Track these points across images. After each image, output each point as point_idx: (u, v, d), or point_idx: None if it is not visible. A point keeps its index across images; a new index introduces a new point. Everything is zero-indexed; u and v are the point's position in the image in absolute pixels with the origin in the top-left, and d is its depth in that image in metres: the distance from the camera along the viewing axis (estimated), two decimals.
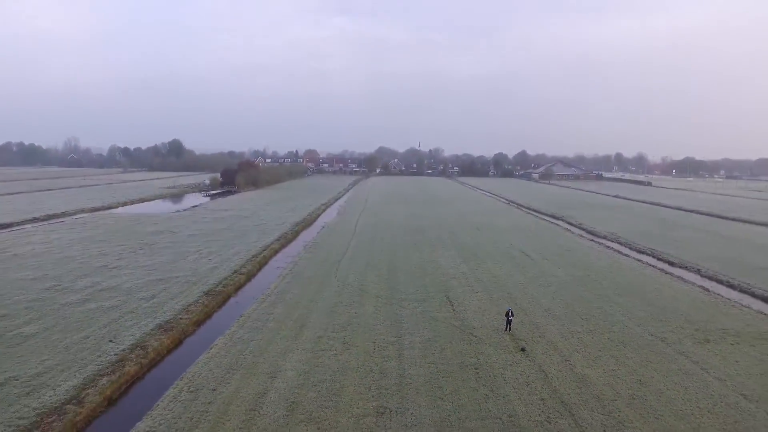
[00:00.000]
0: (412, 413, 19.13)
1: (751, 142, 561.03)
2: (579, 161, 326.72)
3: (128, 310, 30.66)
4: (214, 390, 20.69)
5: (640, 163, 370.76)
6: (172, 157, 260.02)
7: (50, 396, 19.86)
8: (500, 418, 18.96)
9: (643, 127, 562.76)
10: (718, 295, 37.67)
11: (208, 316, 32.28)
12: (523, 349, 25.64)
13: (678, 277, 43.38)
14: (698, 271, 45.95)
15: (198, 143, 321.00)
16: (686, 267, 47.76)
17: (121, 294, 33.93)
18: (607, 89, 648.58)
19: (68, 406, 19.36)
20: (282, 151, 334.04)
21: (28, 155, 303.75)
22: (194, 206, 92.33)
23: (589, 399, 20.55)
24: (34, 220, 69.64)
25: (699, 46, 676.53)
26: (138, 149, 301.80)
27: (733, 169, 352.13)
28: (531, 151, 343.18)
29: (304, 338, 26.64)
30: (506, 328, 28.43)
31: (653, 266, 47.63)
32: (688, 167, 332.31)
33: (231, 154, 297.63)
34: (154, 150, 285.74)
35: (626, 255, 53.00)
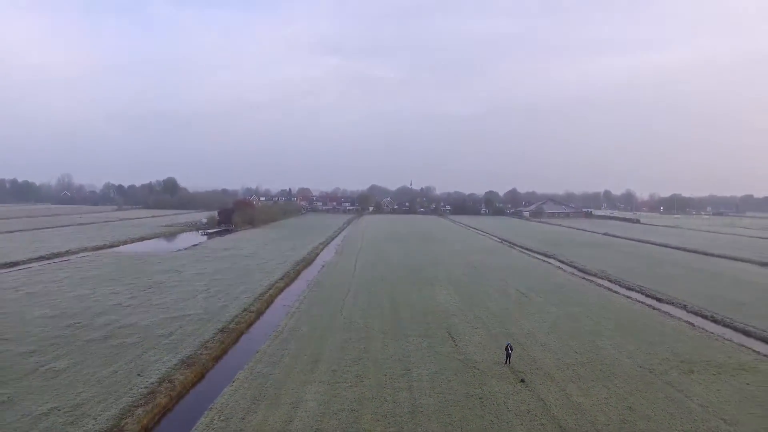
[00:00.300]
0: None
1: (737, 179, 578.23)
2: (568, 199, 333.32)
3: (149, 346, 32.43)
4: (243, 419, 22.53)
5: (628, 200, 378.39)
6: (166, 194, 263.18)
7: (93, 425, 21.59)
8: None
9: (631, 164, 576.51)
10: (703, 329, 40.10)
11: (225, 351, 34.06)
12: (522, 381, 27.73)
13: (665, 312, 45.84)
14: (684, 307, 48.47)
15: (190, 179, 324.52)
16: (673, 303, 50.29)
17: (140, 331, 35.70)
18: (594, 127, 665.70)
19: None
20: (274, 189, 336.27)
21: (22, 192, 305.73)
22: (194, 245, 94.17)
23: (584, 424, 22.64)
24: (40, 258, 71.16)
25: (686, 84, 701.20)
26: (132, 186, 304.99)
27: (719, 206, 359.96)
28: (521, 189, 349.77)
29: (320, 372, 28.56)
30: (506, 361, 30.53)
31: (642, 302, 50.12)
32: (676, 204, 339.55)
33: (225, 191, 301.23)
34: (149, 187, 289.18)
35: (616, 292, 55.54)
